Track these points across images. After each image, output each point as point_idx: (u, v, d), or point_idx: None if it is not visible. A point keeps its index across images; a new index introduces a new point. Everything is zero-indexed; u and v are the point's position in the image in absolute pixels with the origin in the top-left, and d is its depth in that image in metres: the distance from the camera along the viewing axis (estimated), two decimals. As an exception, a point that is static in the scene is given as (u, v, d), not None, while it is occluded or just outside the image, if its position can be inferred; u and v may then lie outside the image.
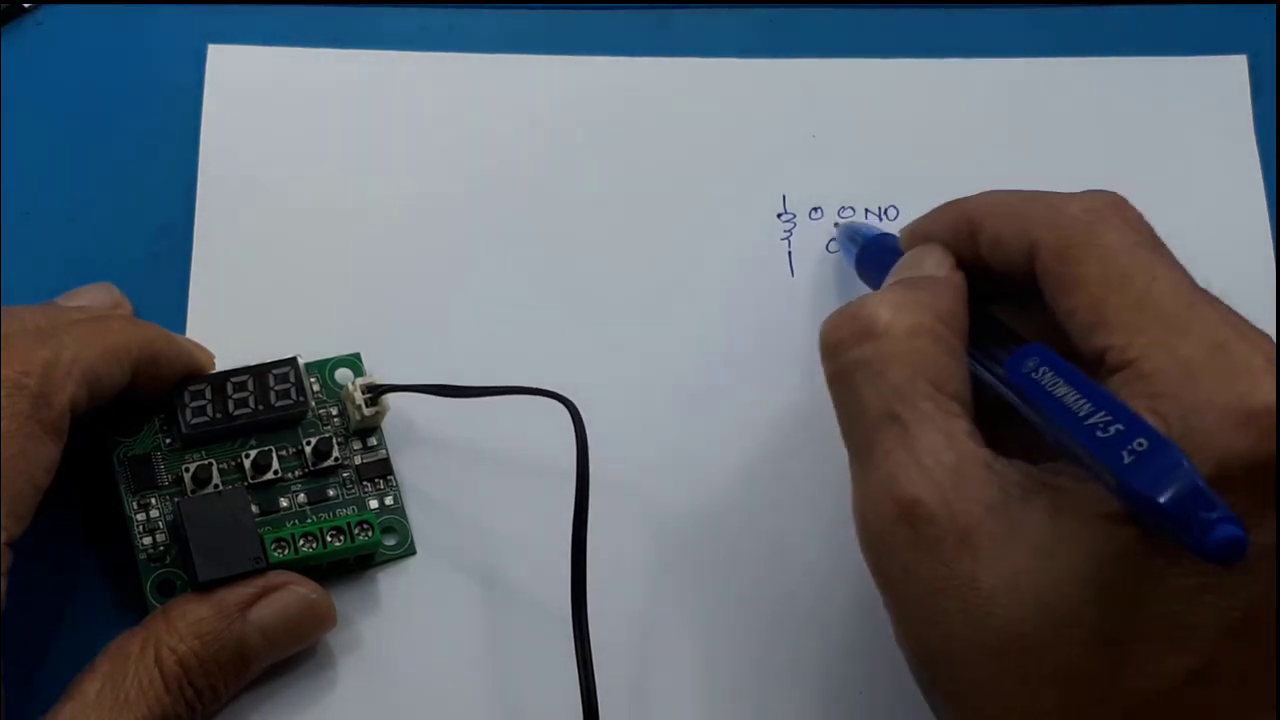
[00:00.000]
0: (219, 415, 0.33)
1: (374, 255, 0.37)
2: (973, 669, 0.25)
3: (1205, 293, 0.27)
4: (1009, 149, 0.40)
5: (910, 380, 0.27)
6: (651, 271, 0.38)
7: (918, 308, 0.28)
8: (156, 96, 0.39)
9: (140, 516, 0.32)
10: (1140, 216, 0.28)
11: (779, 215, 0.39)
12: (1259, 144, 0.40)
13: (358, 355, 0.35)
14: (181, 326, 0.36)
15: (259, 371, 0.33)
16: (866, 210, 0.39)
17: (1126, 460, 0.22)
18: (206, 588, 0.31)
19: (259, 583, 0.31)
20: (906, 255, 0.32)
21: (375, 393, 0.33)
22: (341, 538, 0.32)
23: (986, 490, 0.25)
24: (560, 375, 0.36)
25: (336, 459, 0.33)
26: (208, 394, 0.33)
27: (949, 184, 0.39)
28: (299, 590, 0.31)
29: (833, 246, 0.38)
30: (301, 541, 0.31)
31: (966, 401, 0.27)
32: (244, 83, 0.39)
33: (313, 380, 0.34)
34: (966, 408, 0.27)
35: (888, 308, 0.28)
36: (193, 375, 0.33)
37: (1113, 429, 0.23)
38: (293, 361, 0.33)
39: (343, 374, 0.34)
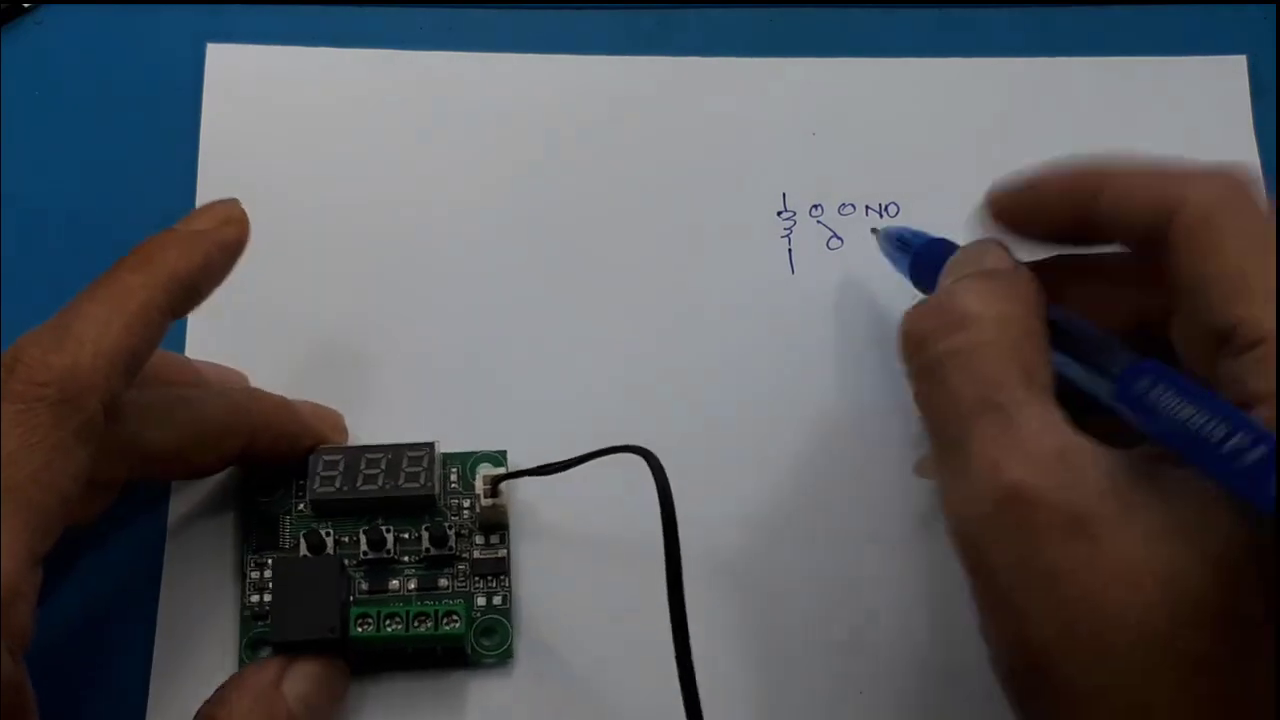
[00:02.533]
0: (346, 488, 0.33)
1: (373, 255, 0.37)
2: (1092, 666, 0.24)
3: None
4: (1009, 148, 0.39)
5: (1005, 369, 0.26)
6: (651, 270, 0.38)
7: (1005, 298, 0.28)
8: (156, 96, 0.39)
9: (254, 574, 0.33)
10: (1268, 198, 0.27)
11: (779, 213, 0.39)
12: (1259, 144, 0.40)
13: (503, 452, 0.34)
14: (181, 328, 0.36)
15: (396, 451, 0.33)
16: (867, 208, 0.39)
17: (1276, 493, 0.21)
18: (281, 649, 0.31)
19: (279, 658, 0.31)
20: (962, 251, 0.31)
21: (492, 483, 0.33)
22: (428, 624, 0.31)
23: (1095, 476, 0.24)
24: (555, 375, 0.36)
25: (451, 549, 0.33)
26: (341, 466, 0.33)
27: (950, 181, 0.39)
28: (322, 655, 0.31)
29: (834, 244, 0.38)
30: (387, 621, 0.31)
31: (1054, 393, 0.27)
32: (244, 82, 0.39)
33: (453, 471, 0.34)
34: (1056, 399, 0.26)
35: (975, 298, 0.27)
36: (320, 443, 0.33)
37: (1253, 456, 0.21)
38: (429, 446, 0.33)
39: (484, 468, 0.34)
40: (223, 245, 0.30)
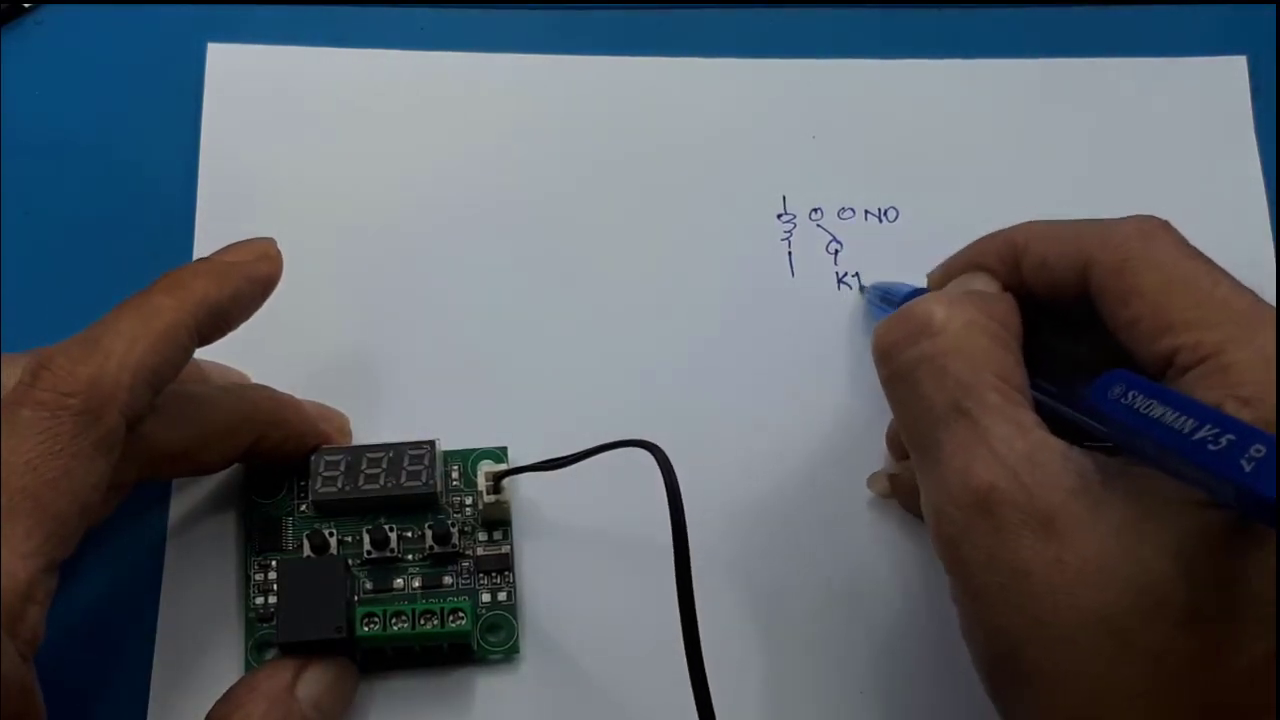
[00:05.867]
0: (348, 487, 0.33)
1: (371, 254, 0.37)
2: (1059, 655, 0.25)
3: (1258, 295, 0.27)
4: (1009, 149, 0.40)
5: (973, 373, 0.27)
6: (651, 272, 0.38)
7: (972, 307, 0.29)
8: (156, 96, 0.39)
9: (258, 576, 0.33)
10: (1184, 237, 0.28)
11: (779, 216, 0.39)
12: (1259, 144, 0.40)
13: (503, 449, 0.34)
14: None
15: (397, 450, 0.33)
16: (866, 212, 0.39)
17: (1248, 469, 0.22)
18: (288, 650, 0.31)
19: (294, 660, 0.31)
20: (953, 281, 0.32)
21: (495, 479, 0.33)
22: (434, 621, 0.31)
23: (1064, 476, 0.25)
24: (553, 375, 0.36)
25: (455, 546, 0.33)
26: (342, 465, 0.33)
27: (949, 184, 0.39)
28: (332, 658, 0.31)
29: (833, 247, 0.38)
30: (393, 619, 0.31)
31: (1029, 396, 0.27)
32: (244, 82, 0.39)
33: (454, 468, 0.34)
34: (1030, 402, 0.27)
35: (942, 306, 0.28)
36: (324, 443, 0.34)
37: (1224, 440, 0.22)
38: (431, 444, 0.33)
39: (485, 465, 0.34)
40: (254, 279, 0.30)
